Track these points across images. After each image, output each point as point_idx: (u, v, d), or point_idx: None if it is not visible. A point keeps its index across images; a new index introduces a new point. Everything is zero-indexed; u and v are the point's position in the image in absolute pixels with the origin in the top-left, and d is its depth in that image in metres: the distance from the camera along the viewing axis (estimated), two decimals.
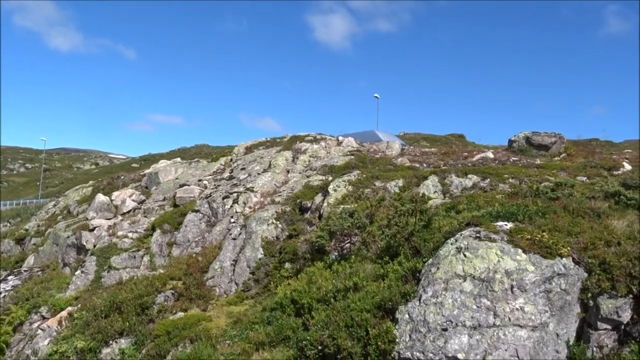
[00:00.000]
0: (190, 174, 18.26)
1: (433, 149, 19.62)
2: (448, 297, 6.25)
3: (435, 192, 12.11)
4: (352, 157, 15.73)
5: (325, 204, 12.12)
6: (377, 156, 16.17)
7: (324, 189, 12.80)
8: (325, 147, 17.89)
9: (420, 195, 9.07)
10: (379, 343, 6.51)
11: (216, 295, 10.77)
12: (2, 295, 13.52)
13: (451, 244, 7.08)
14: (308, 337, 7.56)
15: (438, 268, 6.73)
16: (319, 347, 7.18)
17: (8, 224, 49.95)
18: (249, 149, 19.46)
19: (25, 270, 14.84)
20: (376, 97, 41.43)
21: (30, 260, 15.34)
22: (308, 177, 14.55)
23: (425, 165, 15.19)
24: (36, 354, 10.38)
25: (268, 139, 20.85)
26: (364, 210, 10.34)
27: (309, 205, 12.53)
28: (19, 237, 19.30)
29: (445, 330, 6.00)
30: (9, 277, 14.49)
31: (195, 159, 21.64)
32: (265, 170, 15.87)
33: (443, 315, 6.07)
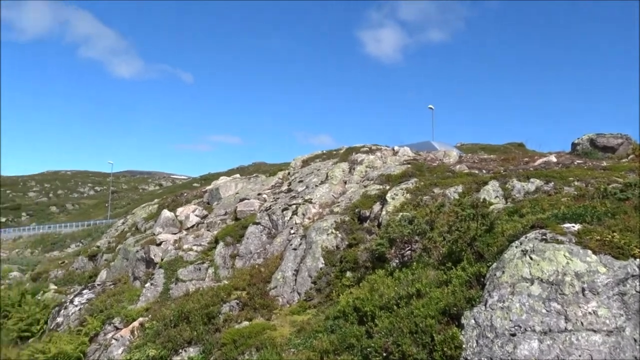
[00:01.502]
0: (250, 188, 18.70)
1: (492, 156, 19.21)
2: (515, 302, 6.10)
3: (497, 197, 11.85)
4: (409, 165, 15.66)
5: (383, 212, 12.11)
6: (434, 164, 16.01)
7: (381, 198, 12.80)
8: (381, 157, 17.90)
9: (481, 200, 8.92)
10: (445, 349, 6.44)
11: (279, 305, 10.95)
12: (78, 307, 14.28)
13: (516, 247, 6.91)
14: (372, 345, 7.55)
15: (503, 272, 6.59)
16: (384, 354, 7.16)
17: (80, 244, 52.63)
18: (305, 162, 19.74)
19: (98, 284, 15.61)
20: (431, 108, 41.70)
21: (103, 274, 16.13)
22: (365, 187, 14.60)
23: (484, 171, 14.89)
24: None
25: (324, 151, 21.07)
26: (423, 217, 10.27)
27: (367, 214, 12.56)
28: (92, 253, 20.35)
29: (513, 335, 5.86)
30: (84, 291, 15.28)
31: (254, 175, 22.13)
32: (322, 182, 16.04)
33: (511, 320, 5.93)
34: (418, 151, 19.23)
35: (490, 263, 7.27)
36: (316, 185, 15.87)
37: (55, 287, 17.98)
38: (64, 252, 54.22)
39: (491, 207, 9.69)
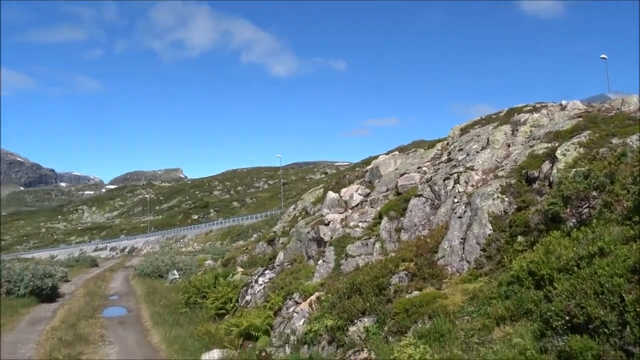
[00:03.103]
0: (409, 163, 18.61)
1: None
2: None
3: None
4: (580, 119, 14.18)
5: (554, 171, 11.19)
6: (610, 114, 14.28)
7: (550, 156, 11.83)
8: (547, 114, 16.49)
9: None
10: (638, 309, 5.84)
11: (448, 274, 10.79)
12: (262, 286, 15.68)
13: None
14: (552, 308, 7.13)
15: None
16: (566, 318, 6.70)
17: (260, 233, 57.30)
18: (464, 130, 19.02)
19: (277, 265, 16.91)
20: (603, 58, 38.15)
21: (281, 256, 17.42)
22: (531, 147, 13.60)
23: None
24: (294, 333, 11.77)
25: (483, 117, 20.08)
26: (600, 170, 9.27)
27: (535, 174, 11.71)
28: (270, 238, 22.11)
29: None
30: (266, 272, 16.67)
31: (412, 150, 21.94)
32: (483, 148, 15.33)
33: None
34: (590, 103, 17.31)
35: None
36: (477, 152, 15.22)
37: (242, 270, 19.88)
38: (247, 241, 59.54)
39: None
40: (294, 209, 24.96)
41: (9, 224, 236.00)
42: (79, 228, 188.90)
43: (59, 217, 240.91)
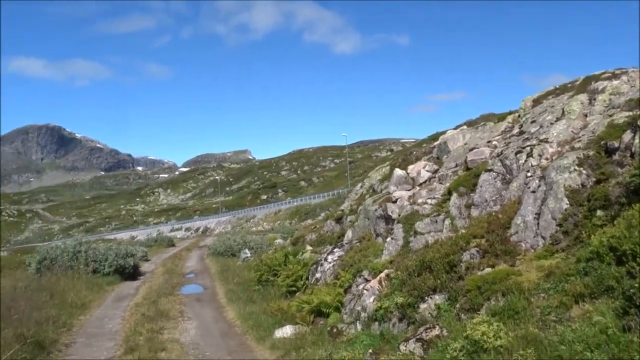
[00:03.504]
0: (478, 137, 18.07)
1: None
2: None
3: None
4: None
5: (636, 140, 10.50)
6: None
7: (632, 125, 11.09)
8: (628, 80, 15.41)
9: None
10: None
11: (522, 250, 10.46)
12: (332, 264, 15.89)
13: None
14: (636, 285, 6.82)
15: None
16: None
17: (328, 211, 57.79)
18: (536, 102, 18.16)
19: (346, 243, 17.05)
20: None
21: (349, 234, 17.54)
22: (610, 116, 12.81)
23: None
24: (365, 310, 11.89)
25: (557, 86, 19.07)
26: None
27: (615, 145, 11.03)
28: (337, 217, 22.28)
29: None
30: (335, 250, 16.86)
31: (481, 124, 21.26)
32: (558, 119, 14.61)
33: None
34: None
35: None
36: (551, 123, 14.52)
37: (311, 248, 20.22)
38: (315, 219, 60.34)
39: None
40: (361, 187, 24.97)
41: (92, 207, 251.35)
42: (156, 210, 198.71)
43: (137, 199, 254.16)
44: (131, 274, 28.57)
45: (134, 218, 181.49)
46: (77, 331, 15.54)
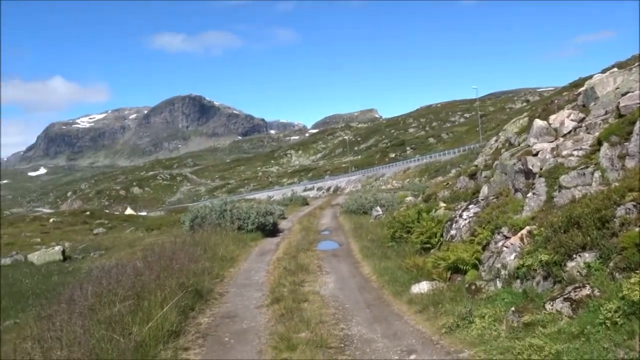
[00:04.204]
0: (632, 80, 16.12)
1: None
2: None
3: None
4: None
5: None
6: None
7: None
8: None
9: None
10: None
11: None
12: (467, 221, 15.46)
13: None
14: None
15: None
16: None
17: (459, 168, 56.30)
18: None
19: (481, 199, 16.47)
20: None
21: (484, 190, 16.89)
22: None
23: None
24: (505, 267, 11.49)
25: None
26: None
27: None
28: (471, 172, 21.48)
29: None
30: (470, 206, 16.38)
31: (635, 65, 18.95)
32: None
33: None
34: None
35: None
36: None
37: (444, 205, 19.85)
38: (446, 176, 59.00)
39: None
40: (496, 140, 23.75)
41: (232, 170, 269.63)
42: (289, 171, 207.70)
43: (272, 161, 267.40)
44: (271, 230, 30.51)
45: (270, 179, 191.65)
46: (228, 282, 17.06)
